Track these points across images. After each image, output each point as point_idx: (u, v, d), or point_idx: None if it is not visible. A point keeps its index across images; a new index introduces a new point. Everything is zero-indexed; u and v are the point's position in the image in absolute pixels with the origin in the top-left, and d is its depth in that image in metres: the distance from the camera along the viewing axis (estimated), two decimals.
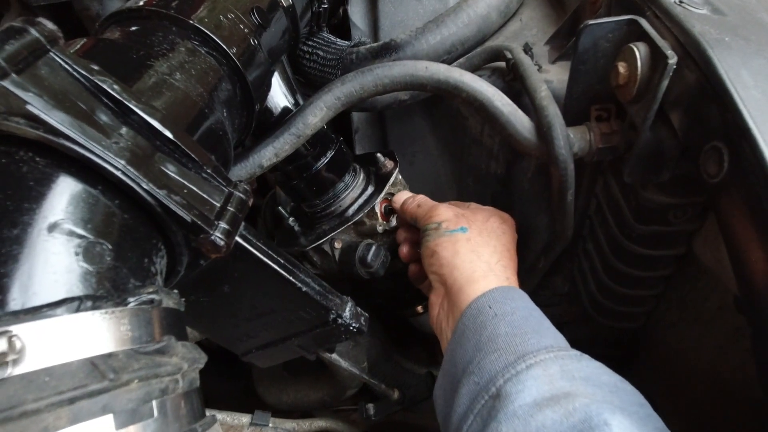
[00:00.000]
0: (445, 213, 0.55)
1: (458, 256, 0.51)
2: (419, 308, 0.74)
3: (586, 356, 0.42)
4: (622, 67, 0.42)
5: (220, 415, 0.64)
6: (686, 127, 0.39)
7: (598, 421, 0.33)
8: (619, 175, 0.50)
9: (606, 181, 0.57)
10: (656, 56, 0.39)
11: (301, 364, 0.83)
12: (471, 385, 0.41)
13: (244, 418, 0.64)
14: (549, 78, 0.54)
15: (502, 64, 0.57)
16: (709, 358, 0.54)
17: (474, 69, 0.60)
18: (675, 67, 0.38)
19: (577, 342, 0.74)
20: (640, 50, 0.40)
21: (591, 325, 0.70)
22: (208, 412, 0.66)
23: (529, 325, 0.44)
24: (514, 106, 0.49)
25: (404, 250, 0.65)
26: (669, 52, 0.37)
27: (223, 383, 0.98)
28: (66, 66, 0.27)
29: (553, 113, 0.46)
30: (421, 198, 0.60)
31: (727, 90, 0.34)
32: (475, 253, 0.51)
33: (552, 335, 0.44)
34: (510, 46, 0.56)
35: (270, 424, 0.63)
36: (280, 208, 0.65)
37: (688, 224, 0.50)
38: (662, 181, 0.46)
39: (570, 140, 0.47)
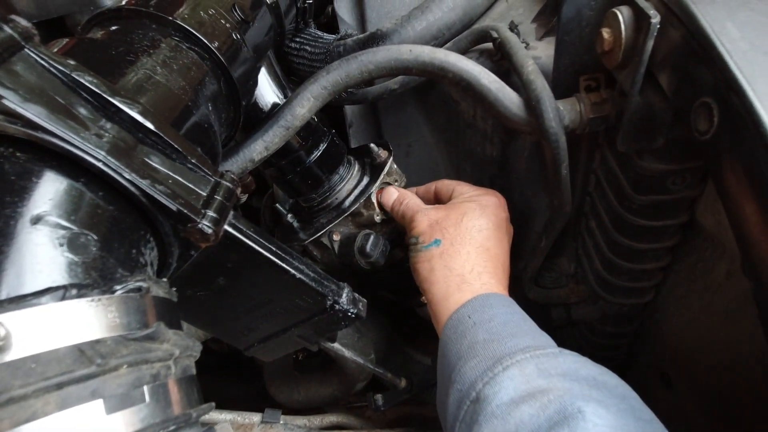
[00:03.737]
0: (420, 225, 0.55)
1: (433, 273, 0.52)
2: (423, 298, 0.74)
3: (566, 352, 0.42)
4: (606, 33, 0.41)
5: (231, 415, 0.64)
6: (675, 88, 0.38)
7: (572, 409, 0.34)
8: (615, 147, 0.50)
9: (603, 154, 0.56)
10: (639, 17, 0.38)
11: (310, 363, 0.83)
12: (455, 393, 0.43)
13: (255, 417, 0.64)
14: (537, 54, 0.54)
15: (490, 45, 0.57)
16: (721, 327, 0.53)
17: (462, 52, 0.60)
18: (659, 26, 0.37)
19: (587, 321, 0.74)
20: (623, 13, 0.39)
21: (600, 304, 0.69)
22: (218, 413, 0.66)
23: (507, 329, 0.45)
24: (502, 83, 0.49)
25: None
26: (651, 12, 0.37)
27: (235, 387, 0.98)
28: (42, 62, 0.28)
29: (541, 86, 0.46)
30: (405, 205, 0.59)
31: (713, 43, 0.33)
32: (448, 268, 0.52)
33: (530, 336, 0.45)
34: (496, 26, 0.55)
35: (281, 422, 0.63)
36: (278, 205, 0.65)
37: (688, 191, 0.49)
38: (657, 147, 0.45)
39: (560, 113, 0.46)
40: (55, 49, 0.35)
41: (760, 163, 0.30)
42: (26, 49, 0.27)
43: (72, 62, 0.29)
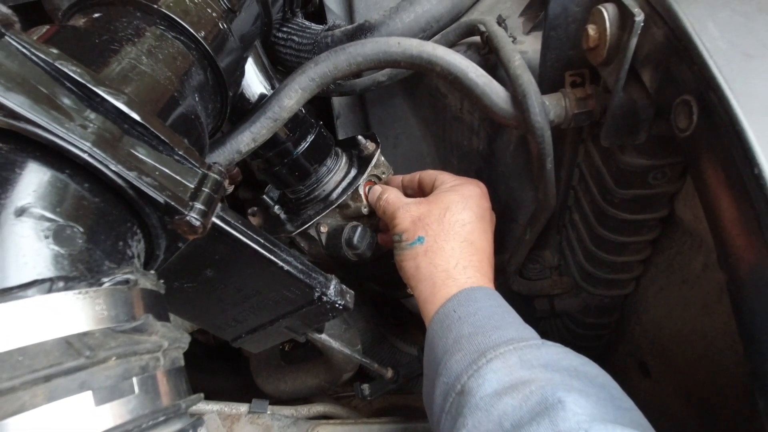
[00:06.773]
0: (403, 222, 0.55)
1: (419, 271, 0.52)
2: (410, 290, 0.75)
3: (549, 343, 0.43)
4: (591, 30, 0.42)
5: (218, 406, 0.64)
6: (657, 85, 0.39)
7: (553, 400, 0.35)
8: (599, 142, 0.51)
9: (587, 149, 0.57)
10: (624, 15, 0.39)
11: (297, 353, 0.83)
12: (441, 386, 0.43)
13: (242, 408, 0.65)
14: (524, 49, 0.54)
15: (478, 38, 0.57)
16: (697, 318, 0.55)
17: (450, 45, 0.60)
18: (642, 24, 0.38)
19: (570, 313, 0.75)
20: (608, 11, 0.40)
21: (582, 295, 0.71)
22: (205, 404, 0.66)
23: (491, 322, 0.45)
24: (489, 77, 0.49)
25: (382, 237, 0.65)
26: (636, 10, 0.37)
27: (222, 378, 0.98)
28: (23, 50, 0.27)
29: (528, 81, 0.46)
30: (385, 200, 0.59)
31: (693, 42, 0.34)
32: (433, 265, 0.52)
33: (515, 329, 0.45)
34: (484, 20, 0.55)
35: (268, 412, 0.64)
36: (265, 196, 0.65)
37: (669, 186, 0.51)
38: (639, 143, 0.46)
39: (545, 107, 0.47)
40: (35, 37, 0.34)
41: (736, 160, 0.31)
42: (6, 37, 0.27)
43: (55, 51, 0.28)
